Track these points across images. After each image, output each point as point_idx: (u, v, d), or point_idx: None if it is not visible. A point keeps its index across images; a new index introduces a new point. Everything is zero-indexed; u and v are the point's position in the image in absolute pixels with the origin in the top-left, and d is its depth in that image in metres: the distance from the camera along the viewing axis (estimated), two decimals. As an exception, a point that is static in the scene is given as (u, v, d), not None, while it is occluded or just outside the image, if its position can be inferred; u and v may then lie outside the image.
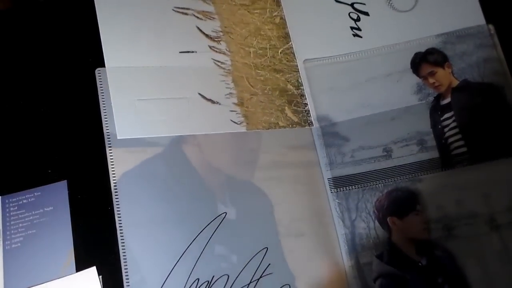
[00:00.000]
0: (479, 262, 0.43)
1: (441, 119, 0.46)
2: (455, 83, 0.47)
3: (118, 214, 0.43)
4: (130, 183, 0.44)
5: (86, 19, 0.50)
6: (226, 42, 0.49)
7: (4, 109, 0.52)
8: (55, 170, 0.50)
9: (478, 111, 0.46)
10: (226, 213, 0.45)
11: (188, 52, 0.47)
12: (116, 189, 0.43)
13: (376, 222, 0.44)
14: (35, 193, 0.51)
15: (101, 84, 0.46)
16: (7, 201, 0.51)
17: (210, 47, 0.49)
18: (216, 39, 0.49)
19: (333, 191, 0.45)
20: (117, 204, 0.43)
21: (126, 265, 0.42)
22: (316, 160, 0.47)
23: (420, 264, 0.43)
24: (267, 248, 0.44)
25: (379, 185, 0.45)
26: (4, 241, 0.50)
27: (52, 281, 0.47)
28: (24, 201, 0.50)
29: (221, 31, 0.49)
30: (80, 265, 0.46)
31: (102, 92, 0.45)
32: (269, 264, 0.44)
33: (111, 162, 0.44)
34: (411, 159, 0.46)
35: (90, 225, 0.45)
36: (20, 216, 0.50)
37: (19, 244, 0.49)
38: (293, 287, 0.44)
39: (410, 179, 0.45)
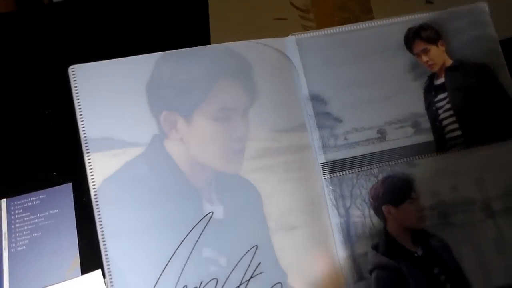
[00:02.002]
0: (475, 251, 0.47)
1: (435, 100, 0.49)
2: (449, 62, 0.50)
3: (99, 224, 0.44)
4: (111, 190, 0.45)
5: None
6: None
7: (9, 111, 0.56)
8: (60, 173, 0.53)
9: (472, 93, 0.50)
10: (212, 212, 0.46)
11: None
12: (96, 198, 0.44)
13: (372, 210, 0.46)
14: (40, 196, 0.55)
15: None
16: (12, 203, 0.54)
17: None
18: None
19: (326, 177, 0.47)
20: (98, 214, 0.44)
21: (111, 277, 0.43)
22: (308, 143, 0.49)
23: (416, 254, 0.46)
24: (257, 246, 0.46)
25: (374, 169, 0.47)
26: (9, 243, 0.53)
27: (57, 284, 0.49)
28: (29, 203, 0.54)
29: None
30: (85, 268, 0.48)
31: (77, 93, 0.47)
32: (260, 263, 0.45)
33: (90, 168, 0.45)
34: (405, 141, 0.49)
35: (95, 228, 0.45)
36: (25, 218, 0.53)
37: (24, 247, 0.53)
38: (285, 285, 0.45)
39: (405, 163, 0.48)
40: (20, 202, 0.54)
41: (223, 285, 0.45)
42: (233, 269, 0.45)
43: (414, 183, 0.48)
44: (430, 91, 0.50)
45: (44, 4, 0.62)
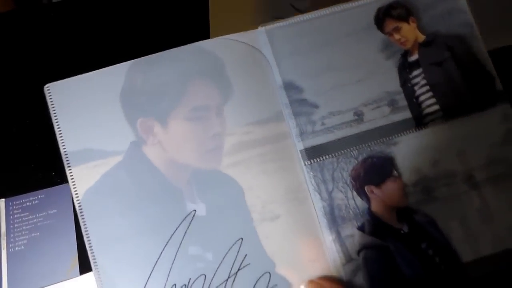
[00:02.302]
0: (461, 223, 0.47)
1: (410, 76, 0.50)
2: (422, 38, 0.51)
3: (86, 234, 0.46)
4: (94, 200, 0.47)
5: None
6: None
7: (8, 112, 0.58)
8: (58, 173, 0.55)
9: (447, 67, 0.50)
10: (195, 210, 0.47)
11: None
12: (81, 209, 0.46)
13: (354, 192, 0.47)
14: (39, 196, 0.57)
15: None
16: (11, 203, 0.56)
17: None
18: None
19: (306, 163, 0.48)
20: (84, 224, 0.46)
21: (102, 285, 0.45)
22: (285, 132, 0.50)
23: (402, 232, 0.47)
24: (242, 238, 0.47)
25: (354, 151, 0.48)
26: (8, 243, 0.54)
27: (55, 284, 0.51)
28: (28, 203, 0.55)
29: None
30: (84, 268, 0.51)
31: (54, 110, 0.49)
32: (246, 254, 0.47)
33: (72, 181, 0.47)
34: (383, 121, 0.49)
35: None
36: (24, 218, 0.55)
37: (23, 247, 0.54)
38: (273, 274, 0.47)
39: (384, 142, 0.48)
40: (19, 202, 0.56)
41: (211, 280, 0.46)
42: (220, 264, 0.47)
43: (394, 161, 0.49)
44: (405, 68, 0.51)
45: (43, 4, 0.64)
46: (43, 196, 0.56)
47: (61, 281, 0.51)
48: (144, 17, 0.60)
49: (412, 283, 0.46)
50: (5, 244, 0.54)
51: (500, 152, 0.49)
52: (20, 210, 0.56)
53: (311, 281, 0.46)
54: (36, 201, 0.56)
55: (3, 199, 0.55)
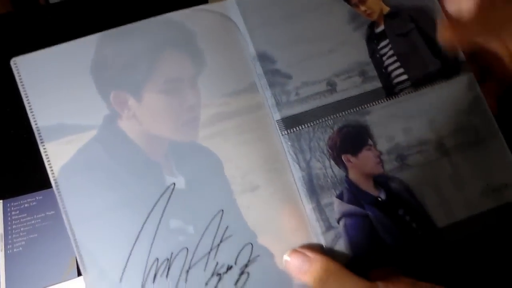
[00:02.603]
0: (434, 189, 0.49)
1: (378, 47, 0.51)
2: (386, 9, 0.53)
3: (64, 211, 0.44)
4: (70, 176, 0.45)
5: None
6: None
7: (6, 113, 0.58)
8: None
9: (412, 37, 0.52)
10: (174, 183, 0.46)
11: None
12: (57, 186, 0.44)
13: (332, 160, 0.47)
14: (37, 197, 0.58)
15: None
16: (8, 205, 0.57)
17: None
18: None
19: (283, 133, 0.48)
20: (61, 201, 0.44)
21: (83, 262, 0.44)
22: (260, 102, 0.49)
23: (379, 199, 0.48)
24: (222, 210, 0.46)
25: (329, 121, 0.49)
26: (5, 245, 0.54)
27: (53, 286, 0.52)
28: (26, 205, 0.56)
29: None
30: None
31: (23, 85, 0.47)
32: (228, 226, 0.46)
33: (46, 157, 0.45)
34: (355, 91, 0.50)
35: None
36: (21, 220, 0.56)
37: (20, 248, 0.55)
38: (255, 244, 0.46)
39: (358, 112, 0.49)
40: (17, 203, 0.57)
41: (194, 253, 0.45)
42: (202, 236, 0.46)
43: (369, 130, 0.50)
44: (372, 39, 0.52)
45: (40, 5, 0.65)
46: (41, 197, 0.58)
47: (59, 283, 0.51)
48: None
49: (392, 249, 0.47)
50: (3, 246, 0.54)
51: (467, 120, 0.51)
52: (18, 212, 0.57)
53: (294, 250, 0.45)
54: (34, 203, 0.57)
55: (1, 201, 0.55)
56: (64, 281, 0.52)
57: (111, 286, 0.44)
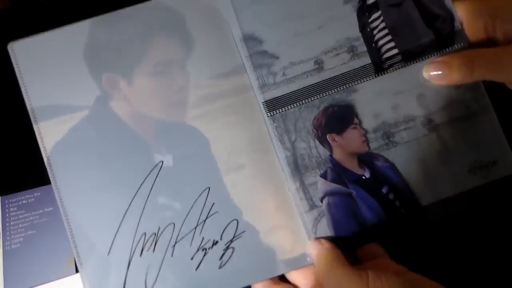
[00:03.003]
0: (421, 166, 0.50)
1: (369, 20, 0.51)
2: (380, -22, 0.51)
3: (56, 188, 0.49)
4: (62, 154, 0.49)
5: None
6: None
7: (5, 110, 0.59)
8: None
9: (406, 7, 0.51)
10: (162, 161, 0.50)
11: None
12: (49, 163, 0.49)
13: (316, 141, 0.49)
14: (35, 194, 0.58)
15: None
16: (7, 201, 0.57)
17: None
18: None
19: (269, 114, 0.49)
20: (53, 178, 0.49)
21: (73, 236, 0.48)
22: (247, 84, 0.51)
23: (363, 177, 0.49)
24: (209, 188, 0.50)
25: (315, 101, 0.50)
26: (3, 241, 0.55)
27: (51, 282, 0.53)
28: (24, 201, 0.57)
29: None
30: None
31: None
32: (214, 203, 0.50)
33: (40, 136, 0.49)
34: (343, 68, 0.51)
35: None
36: (19, 216, 0.56)
37: (18, 245, 0.55)
38: (240, 221, 0.49)
39: (345, 90, 0.50)
40: (15, 200, 0.57)
41: (180, 228, 0.49)
42: (188, 212, 0.49)
43: (355, 109, 0.51)
44: (363, 12, 0.52)
45: (38, 2, 0.64)
46: (39, 194, 0.58)
47: (57, 279, 0.52)
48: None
49: (374, 227, 0.49)
50: (1, 242, 0.55)
51: (457, 95, 0.50)
52: (16, 208, 0.57)
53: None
54: (32, 199, 0.58)
55: (-1, 197, 0.56)
56: (62, 277, 0.53)
57: (99, 259, 0.49)
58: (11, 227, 0.56)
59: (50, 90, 0.51)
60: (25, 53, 0.51)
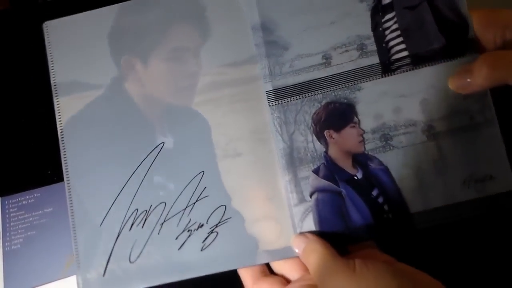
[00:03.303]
0: (415, 173, 0.50)
1: (383, 20, 0.51)
2: (399, -21, 0.51)
3: (64, 159, 0.52)
4: (75, 128, 0.53)
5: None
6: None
7: (5, 111, 0.60)
8: (54, 171, 0.58)
9: (421, 10, 0.50)
10: (164, 143, 0.52)
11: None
12: (62, 136, 0.53)
13: (314, 135, 0.50)
14: (35, 194, 0.59)
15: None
16: (6, 202, 0.58)
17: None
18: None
19: (271, 104, 0.50)
20: (63, 150, 0.53)
21: (71, 203, 0.52)
22: (257, 74, 0.53)
23: (355, 177, 0.49)
24: (203, 172, 0.52)
25: (318, 95, 0.50)
26: (4, 242, 0.56)
27: (51, 283, 0.54)
28: (24, 202, 0.58)
29: None
30: None
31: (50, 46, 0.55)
32: (205, 187, 0.52)
33: (58, 110, 0.53)
34: (350, 65, 0.51)
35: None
36: (19, 217, 0.57)
37: (19, 246, 0.56)
38: (228, 207, 0.51)
39: (349, 87, 0.50)
40: (15, 200, 0.59)
41: (170, 208, 0.52)
42: (180, 193, 0.52)
43: (356, 107, 0.51)
44: (377, 11, 0.51)
45: (38, 3, 0.66)
46: (39, 194, 0.59)
47: (57, 280, 0.54)
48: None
49: (360, 228, 0.49)
50: (1, 243, 0.56)
51: (462, 104, 0.50)
52: (16, 209, 0.58)
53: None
54: (32, 200, 0.59)
55: (-1, 198, 0.57)
56: (62, 278, 0.55)
57: (92, 228, 0.52)
58: (11, 228, 0.57)
59: (73, 68, 0.55)
60: (57, 31, 0.55)
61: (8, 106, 0.58)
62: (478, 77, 0.47)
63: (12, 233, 0.57)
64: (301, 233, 0.50)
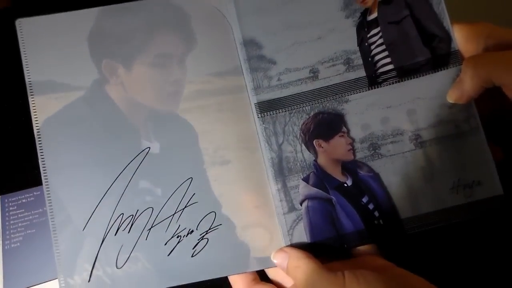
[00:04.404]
0: (403, 180, 0.51)
1: (368, 36, 0.53)
2: (382, -5, 0.54)
3: (41, 159, 0.51)
4: (53, 128, 0.52)
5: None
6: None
7: (4, 108, 0.61)
8: None
9: (405, 26, 0.53)
10: (149, 148, 0.52)
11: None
12: (39, 136, 0.52)
13: (303, 145, 0.51)
14: (35, 193, 0.60)
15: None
16: (6, 200, 0.58)
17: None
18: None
19: (259, 115, 0.52)
20: (40, 150, 0.52)
21: (51, 206, 0.51)
22: (243, 85, 0.54)
23: (345, 185, 0.51)
24: (192, 178, 0.52)
25: (306, 107, 0.52)
26: (3, 240, 0.56)
27: (51, 281, 0.55)
28: (24, 200, 0.58)
29: None
30: None
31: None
32: (194, 193, 0.52)
33: (34, 109, 0.52)
34: (337, 79, 0.53)
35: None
36: (19, 215, 0.58)
37: (18, 244, 0.57)
38: (218, 214, 0.52)
39: (336, 100, 0.52)
40: (15, 199, 0.59)
41: (158, 213, 0.52)
42: (168, 199, 0.52)
43: (344, 117, 0.53)
44: (363, 27, 0.54)
45: (39, 1, 0.67)
46: (38, 193, 0.60)
47: (57, 278, 0.52)
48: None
49: (351, 234, 0.50)
50: (1, 242, 0.56)
51: (448, 114, 0.52)
52: (15, 207, 0.59)
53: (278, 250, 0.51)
54: (32, 198, 0.59)
55: (-1, 196, 0.57)
56: None
57: (74, 233, 0.51)
58: (11, 226, 0.58)
59: (50, 67, 0.54)
60: (31, 29, 0.55)
61: (9, 104, 0.59)
62: (466, 82, 0.49)
63: (11, 231, 0.58)
64: (280, 249, 0.50)
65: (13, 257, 0.56)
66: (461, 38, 0.52)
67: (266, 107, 0.53)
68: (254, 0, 0.55)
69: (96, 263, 0.51)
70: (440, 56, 0.53)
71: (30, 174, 0.58)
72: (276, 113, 0.53)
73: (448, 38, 0.53)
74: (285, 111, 0.53)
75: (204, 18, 0.56)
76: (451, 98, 0.51)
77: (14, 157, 0.60)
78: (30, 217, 0.58)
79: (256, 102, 0.53)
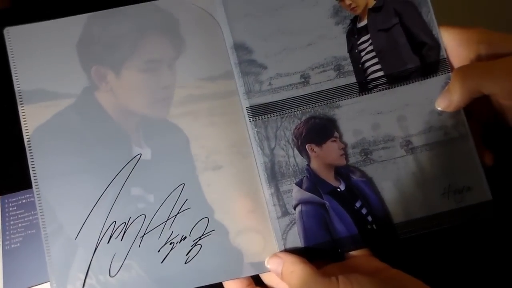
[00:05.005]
0: (395, 186, 0.52)
1: (358, 42, 0.54)
2: (372, 3, 0.55)
3: (32, 167, 0.51)
4: (43, 137, 0.51)
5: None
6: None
7: (3, 109, 0.61)
8: None
9: (394, 33, 0.54)
10: (141, 154, 0.52)
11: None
12: (29, 143, 0.51)
13: (295, 150, 0.51)
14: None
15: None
16: (6, 201, 0.58)
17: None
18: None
19: (251, 120, 0.52)
20: (31, 159, 0.51)
21: (43, 215, 0.50)
22: (234, 90, 0.54)
23: (338, 189, 0.51)
24: (184, 184, 0.52)
25: (298, 112, 0.52)
26: (3, 241, 0.56)
27: None
28: (24, 201, 0.58)
29: None
30: None
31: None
32: (187, 199, 0.51)
33: (24, 118, 0.52)
34: (328, 85, 0.53)
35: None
36: (19, 216, 0.58)
37: (18, 244, 0.57)
38: (211, 219, 0.51)
39: (328, 105, 0.53)
40: (15, 199, 0.59)
41: (151, 220, 0.51)
42: (160, 205, 0.51)
43: (336, 122, 0.53)
44: (353, 34, 0.55)
45: (39, 1, 0.67)
46: None
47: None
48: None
49: (344, 239, 0.51)
50: (1, 242, 0.56)
51: (437, 120, 0.53)
52: (15, 208, 0.59)
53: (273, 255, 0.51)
54: (32, 199, 0.59)
55: (-1, 197, 0.57)
56: None
57: (66, 242, 0.50)
58: (11, 227, 0.58)
59: (39, 75, 0.53)
60: (20, 38, 0.54)
61: (11, 103, 0.57)
62: (455, 92, 0.50)
63: (11, 232, 0.58)
64: (274, 255, 0.50)
65: (13, 257, 0.56)
66: (453, 42, 0.54)
67: (258, 111, 0.53)
68: (244, 5, 0.55)
69: (89, 271, 0.50)
70: (429, 63, 0.54)
71: (30, 175, 0.56)
72: (268, 118, 0.53)
73: (437, 46, 0.55)
74: (277, 115, 0.53)
75: (193, 22, 0.56)
76: (439, 106, 0.53)
77: (14, 157, 0.58)
78: (30, 217, 0.58)
79: (248, 106, 0.53)
